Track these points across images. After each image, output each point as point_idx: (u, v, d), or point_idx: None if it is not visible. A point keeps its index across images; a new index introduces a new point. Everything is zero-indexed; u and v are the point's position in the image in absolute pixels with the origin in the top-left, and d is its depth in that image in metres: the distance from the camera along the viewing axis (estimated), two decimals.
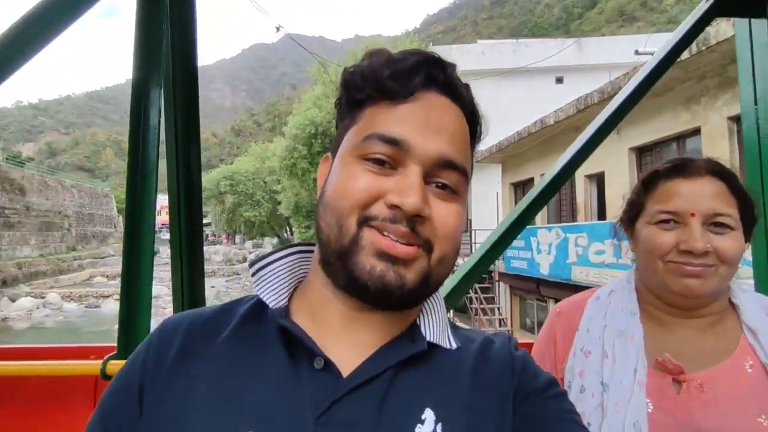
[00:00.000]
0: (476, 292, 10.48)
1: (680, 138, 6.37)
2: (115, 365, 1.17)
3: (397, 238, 0.43)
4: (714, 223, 0.75)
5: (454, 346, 0.49)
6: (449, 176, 0.46)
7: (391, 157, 0.45)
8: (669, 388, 0.76)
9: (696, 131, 5.97)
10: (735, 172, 0.79)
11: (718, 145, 5.56)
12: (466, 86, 0.51)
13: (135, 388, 0.46)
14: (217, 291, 22.60)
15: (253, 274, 0.50)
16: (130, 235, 1.22)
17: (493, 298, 10.89)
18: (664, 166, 0.84)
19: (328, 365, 0.44)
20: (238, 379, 0.45)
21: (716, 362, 0.76)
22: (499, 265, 10.10)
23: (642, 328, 0.81)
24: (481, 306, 10.27)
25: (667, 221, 0.79)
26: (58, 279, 23.47)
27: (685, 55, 5.17)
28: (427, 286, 0.46)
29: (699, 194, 0.77)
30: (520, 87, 16.13)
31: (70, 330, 15.91)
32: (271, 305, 0.49)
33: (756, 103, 1.47)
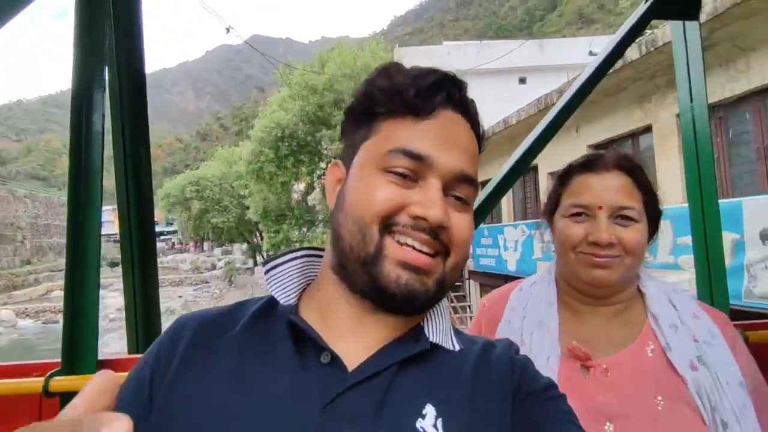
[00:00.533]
0: None
1: (634, 135, 6.64)
2: (60, 381, 1.11)
3: (420, 246, 0.46)
4: (620, 216, 0.80)
5: (457, 348, 0.51)
6: (464, 189, 0.50)
7: (413, 171, 0.48)
8: (578, 374, 0.80)
9: (648, 128, 6.24)
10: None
11: (668, 141, 5.82)
12: (473, 103, 0.54)
13: (147, 380, 0.48)
14: (185, 300, 21.90)
15: (266, 272, 0.53)
16: (74, 246, 1.17)
17: (465, 296, 11.04)
18: (577, 161, 0.89)
19: (335, 360, 0.46)
20: (248, 367, 0.47)
21: (621, 347, 0.80)
22: (469, 264, 10.25)
23: (558, 318, 0.84)
24: (452, 304, 10.40)
25: (579, 214, 0.83)
26: (11, 295, 22.24)
27: (635, 55, 5.41)
28: (442, 292, 0.49)
29: (606, 188, 0.81)
30: (485, 87, 16.44)
31: (27, 348, 15.10)
32: (282, 302, 0.51)
33: (692, 101, 1.55)
